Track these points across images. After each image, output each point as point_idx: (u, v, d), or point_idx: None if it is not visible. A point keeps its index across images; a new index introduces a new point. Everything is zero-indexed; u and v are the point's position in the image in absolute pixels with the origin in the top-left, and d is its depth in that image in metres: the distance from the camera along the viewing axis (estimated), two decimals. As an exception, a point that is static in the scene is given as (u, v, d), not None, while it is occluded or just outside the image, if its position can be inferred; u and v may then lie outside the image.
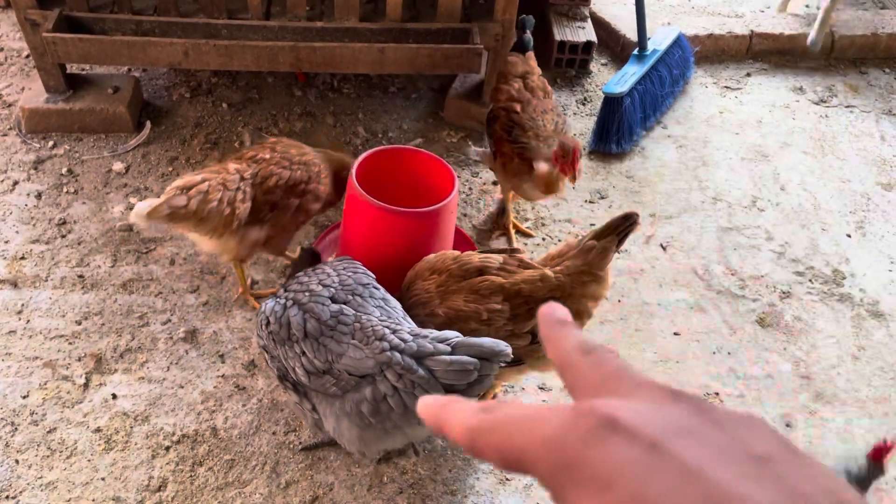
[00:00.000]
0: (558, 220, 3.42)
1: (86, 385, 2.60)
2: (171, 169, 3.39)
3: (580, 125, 3.94)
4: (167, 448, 2.47)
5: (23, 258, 2.95)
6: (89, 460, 2.41)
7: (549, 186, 2.75)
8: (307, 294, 2.06)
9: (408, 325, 2.03)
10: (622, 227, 2.24)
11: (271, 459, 2.48)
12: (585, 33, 4.11)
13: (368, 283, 2.11)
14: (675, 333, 3.02)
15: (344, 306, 2.02)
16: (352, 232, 2.49)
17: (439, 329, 2.16)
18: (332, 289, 2.06)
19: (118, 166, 3.36)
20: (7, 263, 2.92)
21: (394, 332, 1.96)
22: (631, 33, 4.17)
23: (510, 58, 3.00)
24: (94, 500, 2.32)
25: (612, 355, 0.54)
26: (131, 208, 3.14)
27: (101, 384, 2.61)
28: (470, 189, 3.51)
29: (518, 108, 2.85)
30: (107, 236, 3.07)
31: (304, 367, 2.03)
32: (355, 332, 1.98)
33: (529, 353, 2.25)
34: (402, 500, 2.43)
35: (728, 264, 3.32)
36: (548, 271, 2.22)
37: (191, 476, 2.41)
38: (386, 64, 3.18)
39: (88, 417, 2.51)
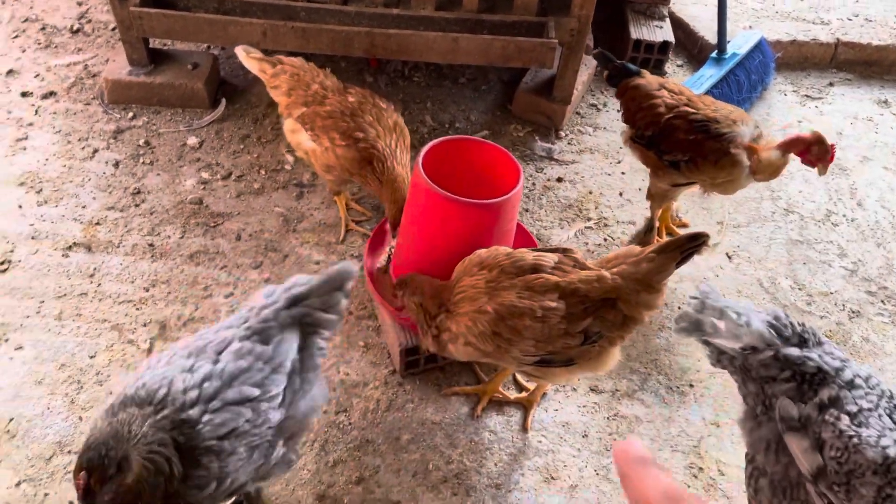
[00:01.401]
0: (621, 222, 3.37)
1: (149, 350, 2.69)
2: (242, 147, 3.47)
3: (650, 126, 3.86)
4: (222, 417, 2.53)
5: (98, 224, 3.07)
6: (149, 423, 2.49)
7: (774, 171, 2.72)
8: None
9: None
10: (687, 246, 2.19)
11: (321, 438, 2.52)
12: (663, 33, 4.03)
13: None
14: (735, 345, 2.94)
15: None
16: (413, 218, 2.50)
17: (490, 324, 2.15)
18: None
19: (192, 141, 3.45)
20: (83, 228, 3.04)
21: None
22: (710, 35, 4.07)
23: (639, 80, 2.90)
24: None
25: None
26: (204, 183, 3.25)
27: (164, 350, 2.69)
28: (533, 185, 3.48)
29: (692, 108, 2.78)
30: (177, 208, 3.17)
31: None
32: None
33: (581, 353, 2.22)
34: (445, 489, 2.45)
35: (796, 278, 3.22)
36: (605, 273, 2.19)
37: (243, 446, 2.47)
38: (459, 54, 3.18)
39: (150, 381, 2.60)
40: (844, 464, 1.78)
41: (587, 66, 3.84)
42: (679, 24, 4.24)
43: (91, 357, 2.65)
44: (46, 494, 2.30)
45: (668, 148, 2.85)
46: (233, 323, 1.93)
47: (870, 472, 1.74)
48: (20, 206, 3.09)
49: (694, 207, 3.47)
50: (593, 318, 2.16)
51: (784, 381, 1.94)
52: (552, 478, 2.51)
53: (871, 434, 1.77)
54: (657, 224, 3.26)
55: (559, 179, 3.51)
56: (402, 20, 3.24)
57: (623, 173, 3.60)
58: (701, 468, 2.58)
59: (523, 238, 2.83)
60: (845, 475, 1.78)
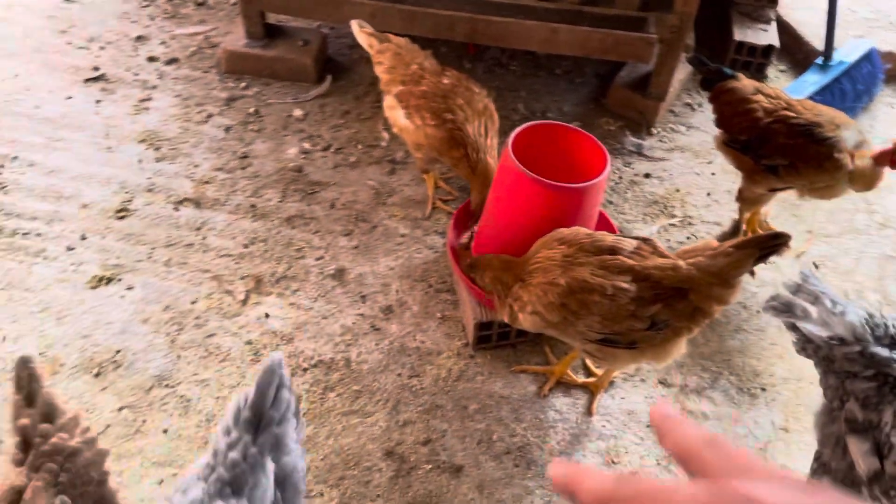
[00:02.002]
0: (707, 222, 3.36)
1: (244, 301, 2.90)
2: (342, 121, 3.65)
3: (746, 130, 3.82)
4: (305, 370, 2.72)
5: (207, 182, 3.31)
6: (238, 367, 2.70)
7: (868, 181, 2.73)
8: None
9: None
10: (768, 244, 2.19)
11: (394, 398, 2.67)
12: (767, 36, 3.96)
13: None
14: (813, 354, 2.91)
15: None
16: (498, 198, 2.60)
17: (560, 296, 2.21)
18: None
19: (298, 112, 3.66)
20: (194, 185, 3.29)
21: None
22: (817, 41, 3.98)
23: (734, 84, 2.91)
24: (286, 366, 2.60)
25: (738, 449, 0.57)
26: (305, 153, 3.44)
27: (257, 303, 2.90)
28: (620, 178, 3.52)
29: (792, 113, 2.78)
30: (279, 174, 3.38)
31: None
32: None
33: (645, 338, 2.26)
34: (507, 459, 2.54)
35: (886, 294, 3.14)
36: (681, 262, 2.22)
37: (322, 398, 2.64)
38: (557, 44, 3.25)
39: (243, 330, 2.81)
40: None
41: (685, 66, 3.83)
42: (785, 29, 4.16)
43: (192, 303, 2.88)
44: (144, 421, 2.53)
45: (768, 153, 2.83)
46: (200, 475, 1.63)
47: None
48: (140, 161, 3.37)
49: (784, 213, 3.42)
50: (663, 305, 2.20)
51: (865, 379, 1.92)
52: (613, 462, 2.57)
53: None
54: (745, 227, 3.24)
55: (647, 175, 3.53)
56: (503, 8, 3.34)
57: (713, 174, 3.59)
58: (764, 470, 2.57)
59: (606, 227, 2.88)
60: None
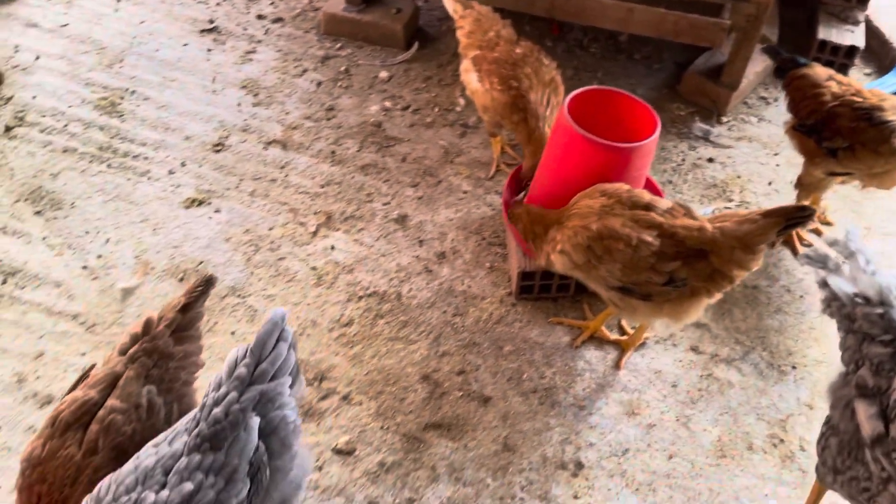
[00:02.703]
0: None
1: (314, 233, 3.20)
2: (423, 86, 3.91)
3: (819, 127, 3.83)
4: (360, 297, 2.99)
5: (295, 128, 3.64)
6: (302, 288, 3.00)
7: None
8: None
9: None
10: (794, 215, 2.27)
11: (436, 331, 2.90)
12: (853, 37, 3.95)
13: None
14: (852, 343, 2.94)
15: None
16: (552, 156, 2.78)
17: (588, 239, 2.39)
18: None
19: (383, 74, 3.94)
20: (283, 129, 3.62)
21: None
22: (907, 47, 3.93)
23: (806, 70, 2.99)
24: (297, 317, 2.90)
25: None
26: (385, 111, 3.72)
27: (325, 236, 3.19)
28: (683, 160, 3.62)
29: (858, 98, 2.84)
30: (360, 127, 3.67)
31: None
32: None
33: (661, 293, 2.40)
34: (533, 397, 2.73)
35: (938, 296, 3.12)
36: (707, 224, 2.34)
37: (372, 323, 2.91)
38: (632, 23, 3.39)
39: (310, 258, 3.11)
40: None
41: (762, 59, 3.87)
42: (874, 33, 4.12)
43: (269, 229, 3.20)
44: (216, 323, 2.86)
45: (829, 135, 2.90)
46: (188, 427, 1.72)
47: None
48: (238, 104, 3.73)
49: (843, 209, 3.44)
50: (682, 262, 2.32)
51: (882, 343, 1.97)
52: (633, 413, 2.71)
53: None
54: None
55: (710, 160, 3.62)
56: (585, -13, 3.50)
57: (778, 165, 3.63)
58: (783, 440, 2.65)
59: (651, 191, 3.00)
60: None
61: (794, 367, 2.86)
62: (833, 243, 2.13)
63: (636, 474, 2.55)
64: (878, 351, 1.95)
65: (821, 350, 2.92)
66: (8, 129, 3.49)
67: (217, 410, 1.68)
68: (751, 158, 3.66)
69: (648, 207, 2.40)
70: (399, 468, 2.52)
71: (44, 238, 3.08)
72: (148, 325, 2.09)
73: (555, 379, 2.79)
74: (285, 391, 1.79)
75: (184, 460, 1.66)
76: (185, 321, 2.14)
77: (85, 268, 2.99)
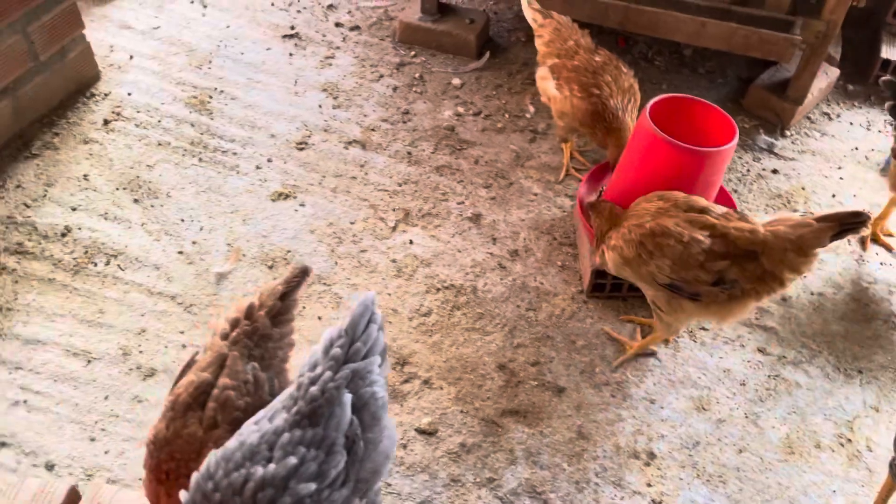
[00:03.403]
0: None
1: (394, 228, 3.36)
2: (494, 93, 4.07)
3: (881, 143, 3.92)
4: (438, 289, 3.13)
5: (373, 129, 3.82)
6: (383, 279, 3.16)
7: None
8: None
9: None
10: (848, 221, 2.34)
11: (511, 324, 3.03)
12: (917, 56, 4.03)
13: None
14: (917, 351, 3.01)
15: None
16: (631, 158, 2.91)
17: (641, 236, 2.50)
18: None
19: (456, 81, 4.11)
20: (362, 130, 3.81)
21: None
22: (972, 67, 3.99)
23: None
24: (379, 306, 3.04)
25: None
26: (458, 116, 3.89)
27: (404, 231, 3.35)
28: (748, 171, 3.72)
29: None
30: (434, 130, 3.83)
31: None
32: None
33: (709, 293, 2.48)
34: (606, 390, 2.85)
35: None
36: (760, 227, 2.43)
37: (450, 314, 3.05)
38: (703, 37, 3.52)
39: (390, 251, 3.27)
40: None
41: (827, 76, 3.97)
42: (939, 52, 4.20)
43: (351, 223, 3.37)
44: (304, 307, 3.03)
45: None
46: (285, 404, 1.84)
47: None
48: (320, 106, 3.93)
49: (908, 222, 3.51)
50: (732, 262, 2.40)
51: None
52: (703, 408, 2.81)
53: None
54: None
55: (774, 171, 3.72)
56: (657, 1, 3.63)
57: (841, 178, 3.72)
58: (850, 440, 2.73)
59: (725, 202, 3.12)
60: None
61: (860, 372, 2.94)
62: None
63: (707, 466, 2.65)
64: None
65: (886, 357, 2.99)
66: (106, 122, 3.72)
67: (314, 389, 1.79)
68: (814, 171, 3.75)
69: (703, 211, 2.51)
70: (479, 450, 2.65)
71: (142, 224, 3.28)
72: (250, 310, 2.25)
73: (626, 374, 2.91)
74: (375, 369, 1.91)
75: (286, 436, 1.77)
76: (282, 307, 2.30)
77: (181, 253, 3.19)
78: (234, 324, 2.21)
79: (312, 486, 1.76)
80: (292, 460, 1.75)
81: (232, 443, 1.82)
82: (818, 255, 2.45)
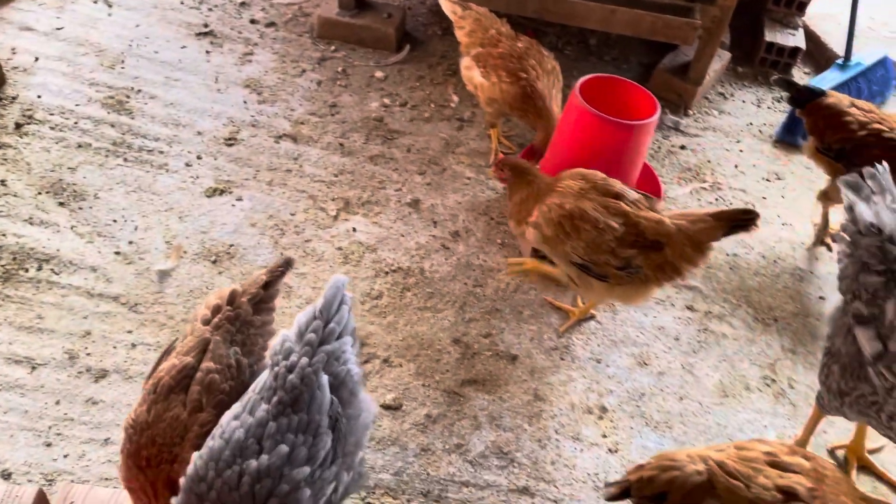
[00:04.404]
0: (733, 188, 3.85)
1: (335, 217, 3.40)
2: (417, 84, 4.18)
3: (771, 118, 4.32)
4: (386, 273, 3.20)
5: (302, 123, 3.83)
6: (331, 266, 3.19)
7: None
8: None
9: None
10: (738, 219, 2.58)
11: (461, 300, 3.15)
12: (795, 40, 4.47)
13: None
14: (820, 298, 3.37)
15: None
16: (562, 133, 3.10)
17: (560, 216, 2.67)
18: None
19: (379, 74, 4.19)
20: (291, 124, 3.81)
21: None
22: (839, 49, 4.47)
23: (830, 100, 3.22)
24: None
25: None
26: (385, 107, 3.97)
27: (346, 219, 3.40)
28: (659, 148, 4.01)
29: (885, 127, 3.07)
30: (363, 121, 3.89)
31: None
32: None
33: (616, 276, 2.67)
34: (555, 354, 3.01)
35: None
36: (667, 220, 2.63)
37: (400, 295, 3.13)
38: (613, 23, 3.77)
39: (334, 239, 3.31)
40: None
41: (721, 59, 4.34)
42: (811, 37, 4.67)
43: (292, 214, 3.38)
44: (253, 300, 3.01)
45: (861, 162, 2.96)
46: (264, 395, 1.88)
47: None
48: (245, 102, 3.90)
49: (801, 187, 3.89)
50: (639, 251, 2.60)
51: (877, 273, 2.24)
52: (644, 363, 3.03)
53: None
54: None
55: (682, 147, 4.03)
56: (569, -8, 3.85)
57: (741, 151, 4.08)
58: (774, 380, 3.02)
59: (650, 178, 3.36)
60: None
61: (775, 320, 3.25)
62: (871, 176, 2.36)
63: (653, 414, 2.86)
64: (871, 280, 2.27)
65: (796, 305, 3.33)
66: (18, 126, 3.55)
67: (292, 377, 1.85)
68: (717, 145, 4.09)
69: (618, 197, 2.68)
70: (444, 419, 2.74)
71: (72, 227, 3.16)
72: (233, 296, 2.26)
73: (572, 338, 3.08)
74: (348, 348, 1.99)
75: (272, 426, 1.82)
76: (265, 296, 2.32)
77: (118, 253, 3.10)
78: (216, 310, 2.21)
79: (307, 470, 1.81)
80: (284, 448, 1.80)
81: (216, 442, 1.84)
82: (713, 247, 2.67)
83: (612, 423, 2.82)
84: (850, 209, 2.35)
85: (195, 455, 1.84)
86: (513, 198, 2.92)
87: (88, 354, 2.74)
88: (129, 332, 2.84)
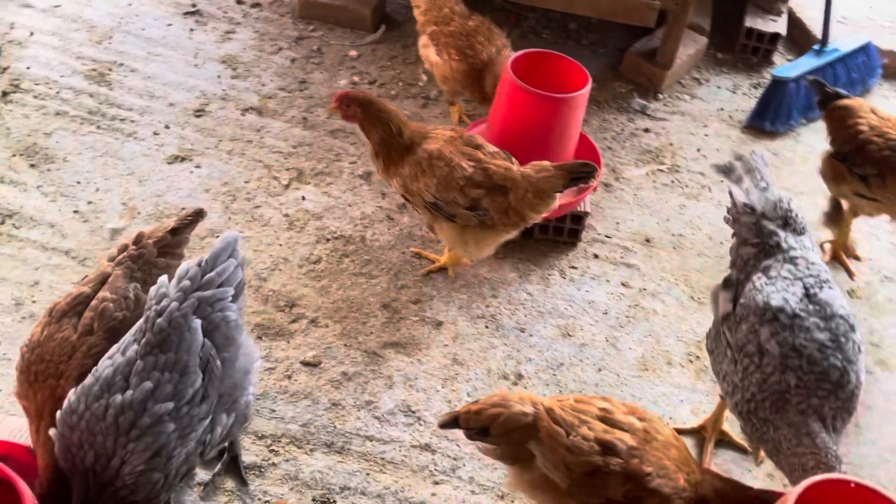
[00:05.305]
0: (692, 171, 3.84)
1: (287, 186, 3.53)
2: (389, 64, 4.28)
3: (745, 104, 4.27)
4: (328, 240, 3.32)
5: (270, 97, 3.98)
6: (275, 232, 3.33)
7: None
8: None
9: None
10: (578, 171, 2.73)
11: (396, 268, 3.24)
12: (776, 26, 4.41)
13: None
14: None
15: None
16: (498, 107, 3.17)
17: (421, 157, 2.82)
18: None
19: (353, 53, 4.31)
20: (259, 98, 3.97)
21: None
22: (825, 36, 4.39)
23: (849, 102, 3.21)
24: (270, 256, 3.22)
25: None
26: (353, 84, 4.09)
27: (297, 188, 3.53)
28: (622, 130, 4.02)
29: (893, 130, 3.06)
30: (330, 97, 4.00)
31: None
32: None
33: (463, 217, 2.83)
34: (481, 322, 3.08)
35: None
36: (515, 168, 2.79)
37: (338, 261, 3.24)
38: (575, 5, 3.82)
39: (282, 206, 3.44)
40: (742, 308, 2.25)
41: (696, 43, 4.31)
42: (795, 23, 4.59)
43: (245, 182, 3.53)
44: (191, 258, 3.17)
45: (860, 161, 3.08)
46: (136, 337, 2.01)
47: (752, 315, 2.19)
48: (218, 76, 4.07)
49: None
50: (486, 192, 2.76)
51: (752, 245, 2.40)
52: (568, 335, 3.07)
53: (770, 290, 2.22)
54: (829, 247, 3.50)
55: (646, 130, 4.03)
56: (535, -25, 3.91)
57: (706, 136, 4.05)
58: (697, 356, 3.03)
59: (588, 148, 3.39)
60: (738, 317, 2.25)
61: (711, 300, 3.25)
62: (739, 158, 2.51)
63: (568, 384, 2.90)
64: (747, 251, 2.38)
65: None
66: (4, 94, 3.79)
67: (160, 320, 1.98)
68: (682, 130, 4.07)
69: (478, 147, 2.84)
70: (359, 377, 2.84)
71: (38, 187, 3.38)
72: (139, 237, 2.41)
73: (500, 308, 3.14)
74: (227, 298, 2.11)
75: (139, 363, 1.97)
76: (172, 241, 2.47)
77: (76, 212, 3.30)
78: (122, 249, 2.37)
79: (170, 405, 1.95)
80: (148, 384, 1.95)
81: (89, 379, 2.00)
82: (555, 199, 2.81)
83: (525, 389, 2.87)
84: (730, 195, 2.48)
85: (70, 391, 2.01)
86: (371, 138, 2.97)
87: (34, 302, 2.94)
88: (75, 283, 3.03)
